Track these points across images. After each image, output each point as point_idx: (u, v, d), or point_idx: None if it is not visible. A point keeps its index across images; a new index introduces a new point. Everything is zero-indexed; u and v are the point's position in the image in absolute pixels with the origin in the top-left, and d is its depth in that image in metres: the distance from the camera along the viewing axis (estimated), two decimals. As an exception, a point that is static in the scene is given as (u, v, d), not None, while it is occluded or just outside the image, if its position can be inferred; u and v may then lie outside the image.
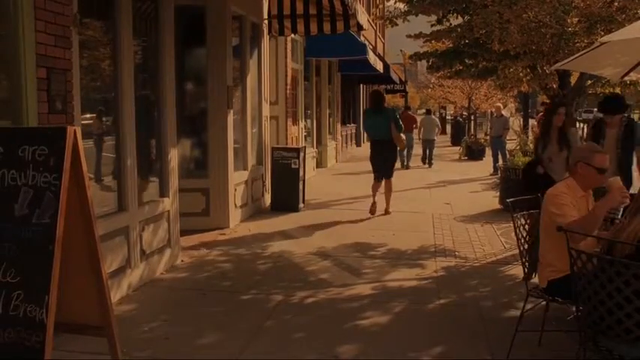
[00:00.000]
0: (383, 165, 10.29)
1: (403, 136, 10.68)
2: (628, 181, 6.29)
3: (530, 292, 4.54)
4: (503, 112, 17.52)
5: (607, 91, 10.04)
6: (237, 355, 4.63)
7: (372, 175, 10.54)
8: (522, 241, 4.66)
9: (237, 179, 9.51)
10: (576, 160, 4.36)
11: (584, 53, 5.36)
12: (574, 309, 3.98)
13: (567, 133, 6.87)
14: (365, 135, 27.52)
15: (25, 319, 3.25)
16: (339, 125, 21.21)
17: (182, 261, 7.27)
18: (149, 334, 5.03)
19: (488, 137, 19.66)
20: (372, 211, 10.12)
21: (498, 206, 10.87)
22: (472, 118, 30.92)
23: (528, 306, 4.71)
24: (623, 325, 3.34)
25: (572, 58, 5.79)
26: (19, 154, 3.38)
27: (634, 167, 6.75)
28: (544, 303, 4.58)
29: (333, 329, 5.17)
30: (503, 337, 4.70)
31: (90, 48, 5.74)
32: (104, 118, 6.11)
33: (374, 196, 10.29)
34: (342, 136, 22.00)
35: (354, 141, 25.41)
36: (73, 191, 3.42)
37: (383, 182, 10.33)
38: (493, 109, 19.47)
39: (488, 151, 18.59)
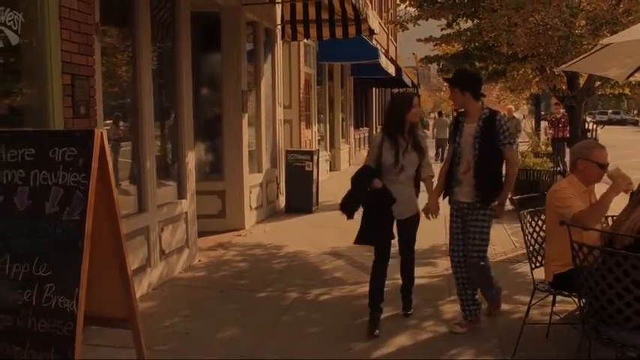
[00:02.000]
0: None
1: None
2: (485, 194, 4.93)
3: (537, 286, 4.70)
4: (514, 114, 17.64)
5: (616, 91, 10.15)
6: (255, 349, 4.82)
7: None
8: (529, 237, 4.82)
9: (252, 182, 9.71)
10: (576, 157, 4.51)
11: (589, 55, 5.50)
12: (578, 301, 4.13)
13: (417, 133, 5.27)
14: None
15: (56, 310, 3.45)
16: (351, 129, 21.37)
17: (199, 261, 7.47)
18: (170, 329, 5.24)
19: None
20: None
21: (509, 207, 10.96)
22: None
23: (536, 301, 4.87)
24: (623, 314, 3.49)
25: (577, 59, 5.92)
26: (50, 156, 3.59)
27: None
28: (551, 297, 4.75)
29: (347, 324, 5.35)
30: (512, 331, 4.85)
31: (110, 55, 5.96)
32: (124, 123, 6.32)
33: None
34: (355, 139, 22.15)
35: (366, 144, 25.56)
36: (100, 190, 3.62)
37: None
38: (505, 112, 19.59)
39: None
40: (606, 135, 34.03)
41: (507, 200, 5.30)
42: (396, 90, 30.87)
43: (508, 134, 4.90)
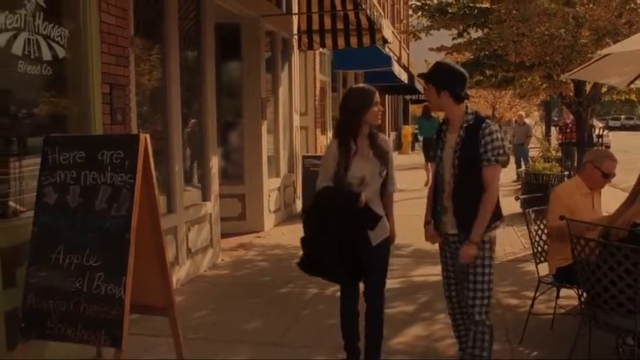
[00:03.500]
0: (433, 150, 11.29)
1: None
2: (468, 222, 3.84)
3: (541, 280, 5.06)
4: (525, 120, 17.93)
5: (622, 97, 10.47)
6: (280, 338, 5.20)
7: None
8: (534, 234, 5.17)
9: (270, 186, 10.11)
10: (587, 161, 4.86)
11: (591, 64, 5.85)
12: (578, 292, 4.49)
13: (379, 137, 4.25)
14: (392, 145, 27.97)
15: (106, 296, 3.84)
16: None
17: (222, 260, 7.87)
18: (199, 321, 5.63)
19: (511, 145, 20.09)
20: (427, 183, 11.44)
21: (520, 210, 11.29)
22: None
23: (543, 297, 5.23)
24: (617, 300, 3.85)
25: (579, 68, 6.27)
26: (99, 158, 3.99)
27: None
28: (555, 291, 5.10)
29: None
30: (519, 322, 5.21)
31: (142, 65, 6.38)
32: (155, 129, 6.74)
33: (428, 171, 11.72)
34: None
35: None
36: (144, 189, 4.02)
37: None
38: (516, 117, 19.88)
39: (512, 159, 19.00)
40: (619, 141, 34.27)
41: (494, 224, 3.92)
42: (408, 97, 31.21)
43: (492, 148, 3.76)
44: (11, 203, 4.39)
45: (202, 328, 5.43)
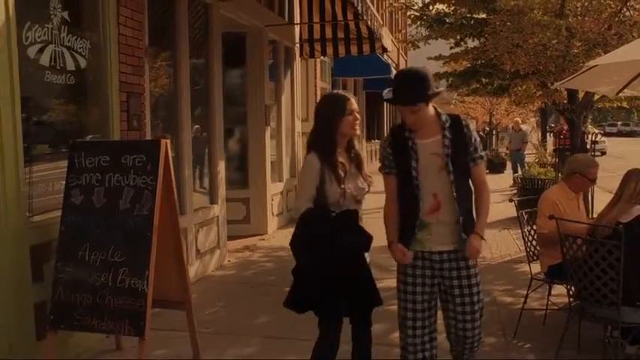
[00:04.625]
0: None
1: None
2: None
3: (534, 277, 5.38)
4: (522, 127, 18.29)
5: (615, 105, 10.81)
6: (288, 332, 5.50)
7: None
8: (527, 234, 5.49)
9: (273, 190, 10.42)
10: (574, 171, 5.19)
11: (580, 74, 6.19)
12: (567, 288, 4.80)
13: (356, 150, 3.83)
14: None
15: (129, 289, 4.15)
16: (364, 141, 22.07)
17: (229, 261, 8.18)
18: (211, 317, 5.93)
19: (508, 151, 20.46)
20: None
21: (514, 214, 11.62)
22: (493, 132, 31.68)
23: (537, 295, 5.55)
24: (601, 292, 4.17)
25: (570, 77, 6.60)
26: (122, 161, 4.31)
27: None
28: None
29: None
30: (514, 318, 5.52)
31: (155, 74, 6.69)
32: (166, 135, 7.05)
33: None
34: (367, 151, 22.84)
35: (377, 156, 26.23)
36: (164, 191, 4.33)
37: None
38: (512, 124, 20.23)
39: (509, 164, 19.34)
40: (615, 147, 34.68)
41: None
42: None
43: (478, 143, 3.59)
44: (40, 204, 4.68)
45: (214, 323, 5.73)
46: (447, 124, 3.49)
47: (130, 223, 4.23)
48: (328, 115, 3.67)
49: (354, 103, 3.71)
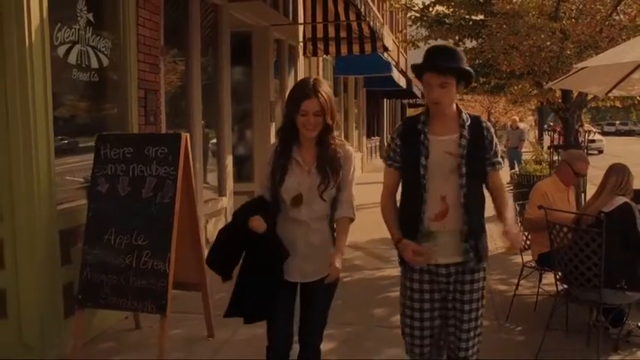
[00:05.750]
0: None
1: None
2: (482, 244, 3.27)
3: (525, 265, 5.76)
4: (519, 125, 18.65)
5: (608, 104, 11.19)
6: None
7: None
8: (519, 224, 5.85)
9: (277, 184, 10.74)
10: (563, 160, 5.57)
11: (571, 75, 6.55)
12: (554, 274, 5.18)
13: (330, 147, 3.31)
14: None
15: (152, 270, 4.51)
16: (364, 138, 22.45)
17: (235, 251, 8.52)
18: (221, 301, 6.23)
19: (505, 148, 20.84)
20: None
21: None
22: (492, 130, 32.03)
23: (528, 283, 5.91)
24: (585, 276, 4.55)
25: (562, 77, 6.97)
26: (145, 153, 4.67)
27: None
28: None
29: (368, 298, 6.38)
30: (506, 304, 5.90)
31: (169, 71, 7.05)
32: (179, 129, 7.40)
33: None
34: (367, 148, 23.23)
35: (378, 153, 26.63)
36: (183, 181, 4.69)
37: None
38: (510, 122, 20.61)
39: (506, 162, 19.72)
40: (613, 145, 35.05)
41: None
42: (406, 101, 31.85)
43: (498, 148, 3.30)
44: (66, 193, 5.05)
45: (224, 306, 6.07)
46: (468, 123, 3.17)
47: (152, 210, 4.59)
48: (288, 107, 3.31)
49: (310, 104, 3.19)
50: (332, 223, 3.38)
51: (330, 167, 3.26)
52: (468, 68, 3.14)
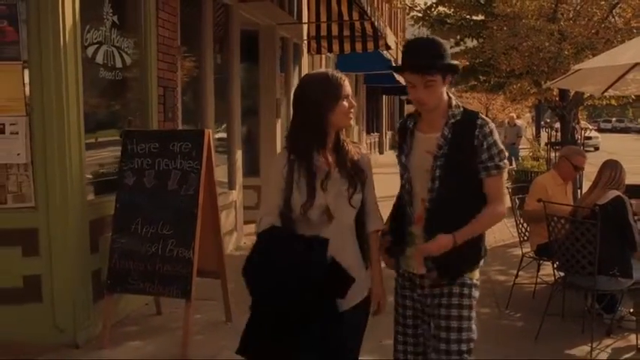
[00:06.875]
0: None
1: None
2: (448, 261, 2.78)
3: (524, 255, 6.09)
4: (516, 122, 19.00)
5: (604, 102, 11.52)
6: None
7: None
8: (518, 216, 6.20)
9: (283, 178, 11.03)
10: (561, 155, 5.90)
11: (568, 75, 6.88)
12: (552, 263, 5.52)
13: (349, 148, 2.88)
14: (388, 143, 29.02)
15: (177, 258, 4.82)
16: (364, 134, 22.77)
17: (244, 243, 8.86)
18: (235, 290, 6.59)
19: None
20: None
21: (508, 204, 12.34)
22: (489, 127, 32.37)
23: (527, 274, 6.25)
24: (580, 264, 4.88)
25: (560, 78, 7.31)
26: (170, 148, 4.98)
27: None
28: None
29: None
30: (506, 293, 6.23)
31: (184, 69, 7.35)
32: (193, 125, 7.71)
33: None
34: (367, 144, 23.55)
35: (377, 149, 26.97)
36: (206, 174, 5.00)
37: None
38: (507, 119, 20.96)
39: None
40: (609, 142, 35.42)
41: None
42: (404, 97, 32.18)
43: (498, 151, 2.81)
44: (95, 185, 5.36)
45: (239, 294, 6.39)
46: (452, 120, 2.82)
47: (177, 202, 4.90)
48: (317, 99, 2.74)
49: (348, 85, 2.85)
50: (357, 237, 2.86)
51: (355, 171, 2.81)
52: (453, 62, 2.84)
